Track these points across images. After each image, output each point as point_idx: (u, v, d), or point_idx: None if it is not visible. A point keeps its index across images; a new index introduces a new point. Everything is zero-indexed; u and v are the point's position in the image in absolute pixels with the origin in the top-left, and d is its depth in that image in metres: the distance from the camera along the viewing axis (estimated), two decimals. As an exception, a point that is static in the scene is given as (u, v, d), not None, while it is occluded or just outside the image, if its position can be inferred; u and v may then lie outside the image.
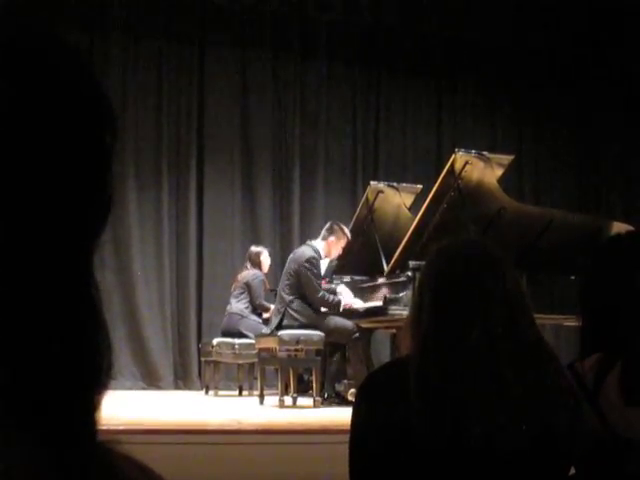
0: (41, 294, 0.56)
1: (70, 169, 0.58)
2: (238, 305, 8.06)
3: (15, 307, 0.55)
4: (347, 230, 7.18)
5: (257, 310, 8.15)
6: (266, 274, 8.33)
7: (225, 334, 7.99)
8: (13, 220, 0.55)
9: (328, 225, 7.17)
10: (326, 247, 7.04)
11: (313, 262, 6.84)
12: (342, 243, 7.11)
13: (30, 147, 0.56)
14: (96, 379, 0.59)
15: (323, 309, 6.92)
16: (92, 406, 0.58)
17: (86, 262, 0.60)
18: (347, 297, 6.96)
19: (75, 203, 0.58)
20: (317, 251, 6.96)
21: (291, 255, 7.18)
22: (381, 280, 6.79)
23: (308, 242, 7.18)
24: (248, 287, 8.09)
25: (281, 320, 6.77)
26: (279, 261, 8.77)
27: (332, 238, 7.03)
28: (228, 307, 8.15)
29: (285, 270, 7.04)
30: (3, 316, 0.54)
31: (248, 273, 8.18)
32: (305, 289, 6.78)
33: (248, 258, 8.34)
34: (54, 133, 0.57)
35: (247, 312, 8.06)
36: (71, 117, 0.59)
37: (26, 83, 0.57)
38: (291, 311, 6.77)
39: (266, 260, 8.37)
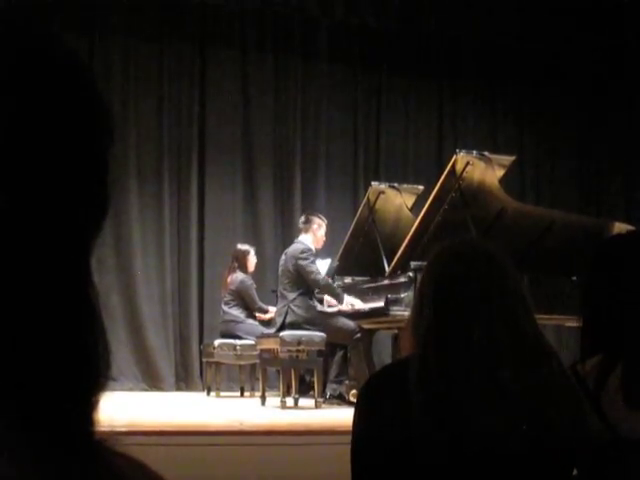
0: (38, 295, 0.56)
1: (68, 170, 0.58)
2: (232, 311, 8.05)
3: (12, 308, 0.55)
4: (321, 215, 7.31)
5: (254, 314, 8.14)
6: (252, 273, 8.31)
7: (225, 337, 7.99)
8: (10, 220, 0.55)
9: (303, 219, 7.27)
10: (312, 237, 7.10)
11: (307, 252, 6.90)
12: (324, 227, 7.21)
13: (28, 148, 0.56)
14: (94, 380, 0.59)
15: (326, 308, 6.93)
16: (90, 407, 0.58)
17: (84, 263, 0.60)
18: (353, 301, 6.97)
19: (72, 204, 0.58)
20: (308, 246, 7.00)
21: (283, 256, 7.20)
22: (382, 281, 6.79)
23: (296, 240, 7.21)
24: (238, 294, 8.07)
25: (284, 318, 6.78)
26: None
27: (314, 226, 7.11)
28: (221, 313, 8.15)
29: (282, 270, 7.05)
30: (0, 317, 0.55)
31: (236, 278, 8.12)
32: (306, 279, 6.81)
33: (235, 258, 8.27)
34: (52, 135, 0.57)
35: (243, 317, 8.05)
36: (68, 118, 0.59)
37: (25, 84, 0.57)
38: (294, 307, 6.78)
39: (253, 259, 8.33)
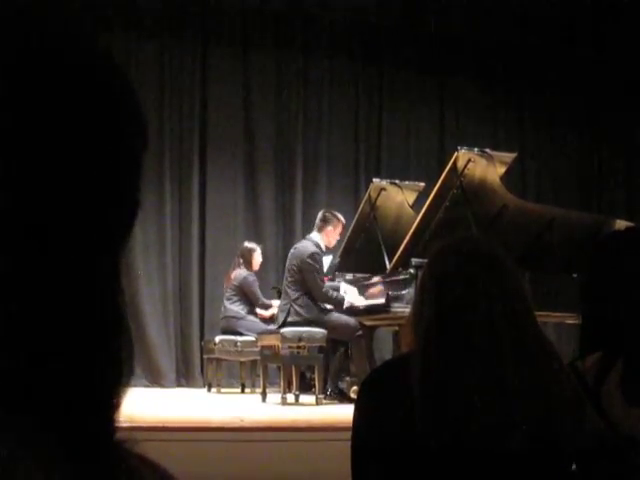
0: (66, 298, 0.56)
1: (100, 173, 0.58)
2: (233, 307, 8.05)
3: (39, 310, 0.55)
4: (340, 215, 7.20)
5: (256, 310, 8.15)
6: (257, 272, 8.32)
7: (225, 333, 8.00)
8: (41, 222, 0.55)
9: (321, 215, 7.18)
10: (325, 238, 7.05)
11: (316, 258, 6.85)
12: (339, 229, 7.14)
13: (59, 150, 0.56)
14: (116, 383, 0.59)
15: (328, 306, 6.93)
16: (110, 409, 0.59)
17: (113, 267, 0.60)
18: (350, 295, 6.94)
19: (103, 206, 0.58)
20: (318, 245, 6.96)
21: (292, 250, 7.16)
22: (383, 277, 6.79)
23: (307, 236, 7.18)
24: (241, 290, 8.08)
25: (286, 316, 6.78)
26: (282, 258, 8.77)
27: (329, 227, 7.05)
28: (222, 309, 8.15)
29: (288, 266, 7.03)
30: (28, 318, 0.55)
31: (239, 274, 8.14)
32: (308, 285, 6.79)
33: (240, 254, 8.30)
34: (83, 137, 0.57)
35: (244, 313, 8.05)
36: (101, 121, 0.58)
37: (59, 84, 0.57)
38: (296, 307, 6.78)
39: (258, 258, 8.35)
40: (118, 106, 0.60)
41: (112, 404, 0.59)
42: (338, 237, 7.20)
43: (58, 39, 0.58)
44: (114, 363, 0.59)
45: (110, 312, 0.59)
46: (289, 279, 6.93)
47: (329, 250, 7.43)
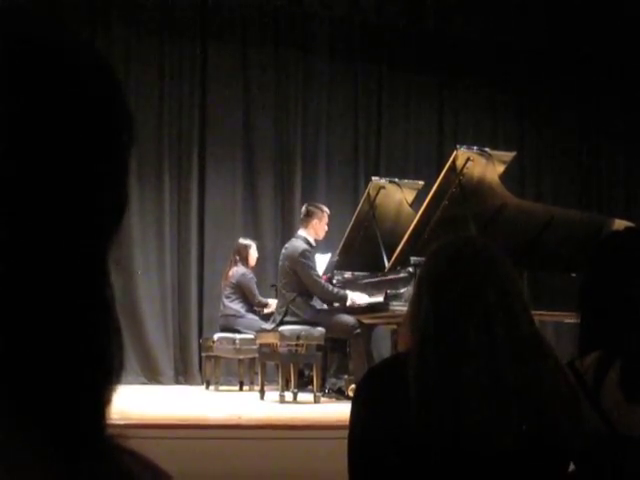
0: (54, 294, 0.56)
1: (85, 170, 0.58)
2: (232, 305, 8.05)
3: (28, 307, 0.55)
4: (323, 206, 7.22)
5: (254, 308, 8.15)
6: (253, 268, 8.32)
7: (224, 331, 8.00)
8: (29, 220, 0.55)
9: (304, 210, 7.17)
10: (312, 232, 7.03)
11: (307, 255, 6.83)
12: (325, 220, 7.11)
13: (46, 147, 0.56)
14: (106, 378, 0.59)
15: (325, 306, 6.91)
16: (102, 405, 0.59)
17: (101, 263, 0.60)
18: (358, 296, 6.87)
19: (91, 203, 0.58)
20: (307, 241, 6.95)
21: (283, 251, 7.13)
22: (382, 276, 6.78)
23: (296, 234, 7.17)
24: (239, 288, 8.08)
25: (283, 318, 6.77)
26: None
27: (314, 220, 7.03)
28: (221, 307, 8.15)
29: (281, 267, 7.02)
30: (17, 315, 0.55)
31: (237, 272, 8.13)
32: (306, 283, 6.78)
33: (236, 251, 8.29)
34: (70, 133, 0.57)
35: (243, 312, 8.05)
36: (88, 118, 0.58)
37: (45, 82, 0.57)
38: (293, 308, 6.76)
39: (254, 254, 8.35)
40: (102, 102, 0.60)
41: (103, 400, 0.58)
42: (326, 228, 7.17)
43: (40, 36, 0.58)
44: (104, 359, 0.59)
45: (99, 307, 0.59)
46: (283, 280, 6.92)
47: (318, 243, 7.33)
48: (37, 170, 0.55)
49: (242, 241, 8.40)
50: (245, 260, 8.24)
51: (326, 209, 7.19)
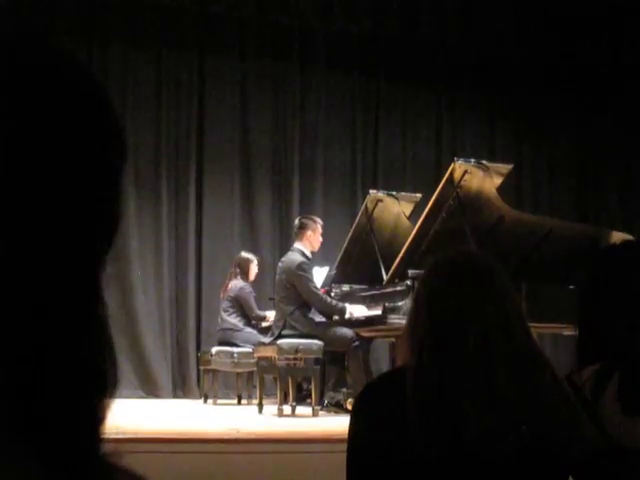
0: (47, 309, 0.56)
1: (78, 186, 0.58)
2: (230, 319, 8.04)
3: (22, 321, 0.55)
4: (316, 218, 7.22)
5: (252, 322, 8.14)
6: (252, 282, 8.32)
7: (222, 345, 7.99)
8: (21, 236, 0.55)
9: (297, 223, 7.16)
10: (307, 244, 7.01)
11: (304, 267, 6.82)
12: (319, 231, 7.09)
13: (36, 164, 0.56)
14: (100, 395, 0.59)
15: (324, 319, 6.90)
16: (96, 420, 0.59)
17: (93, 279, 0.60)
18: (357, 309, 6.87)
19: (83, 219, 0.58)
20: (303, 253, 6.94)
21: (280, 264, 7.12)
22: (380, 289, 6.78)
23: (291, 248, 7.16)
24: (237, 302, 8.07)
25: (281, 331, 6.76)
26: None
27: (309, 232, 7.01)
28: (219, 321, 8.14)
29: (278, 281, 7.00)
30: (9, 330, 0.55)
31: (235, 285, 8.13)
32: (304, 296, 6.77)
33: (237, 264, 8.29)
34: (62, 150, 0.57)
35: (241, 325, 8.04)
36: (80, 135, 0.59)
37: (36, 99, 0.57)
38: (292, 322, 6.75)
39: (255, 269, 8.35)
40: (94, 118, 0.60)
41: (96, 417, 0.58)
42: (320, 239, 7.15)
43: (35, 62, 0.58)
44: (97, 375, 0.59)
45: (92, 325, 0.59)
46: (281, 294, 6.90)
47: (314, 255, 7.33)
48: (30, 191, 0.56)
49: (244, 255, 8.41)
50: (246, 274, 8.23)
51: (319, 220, 7.19)
